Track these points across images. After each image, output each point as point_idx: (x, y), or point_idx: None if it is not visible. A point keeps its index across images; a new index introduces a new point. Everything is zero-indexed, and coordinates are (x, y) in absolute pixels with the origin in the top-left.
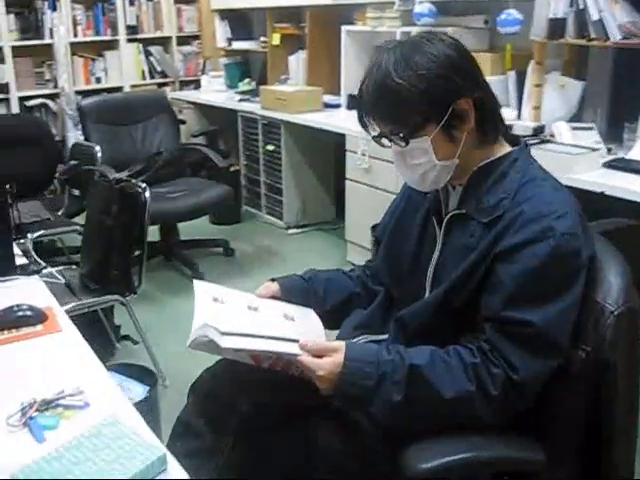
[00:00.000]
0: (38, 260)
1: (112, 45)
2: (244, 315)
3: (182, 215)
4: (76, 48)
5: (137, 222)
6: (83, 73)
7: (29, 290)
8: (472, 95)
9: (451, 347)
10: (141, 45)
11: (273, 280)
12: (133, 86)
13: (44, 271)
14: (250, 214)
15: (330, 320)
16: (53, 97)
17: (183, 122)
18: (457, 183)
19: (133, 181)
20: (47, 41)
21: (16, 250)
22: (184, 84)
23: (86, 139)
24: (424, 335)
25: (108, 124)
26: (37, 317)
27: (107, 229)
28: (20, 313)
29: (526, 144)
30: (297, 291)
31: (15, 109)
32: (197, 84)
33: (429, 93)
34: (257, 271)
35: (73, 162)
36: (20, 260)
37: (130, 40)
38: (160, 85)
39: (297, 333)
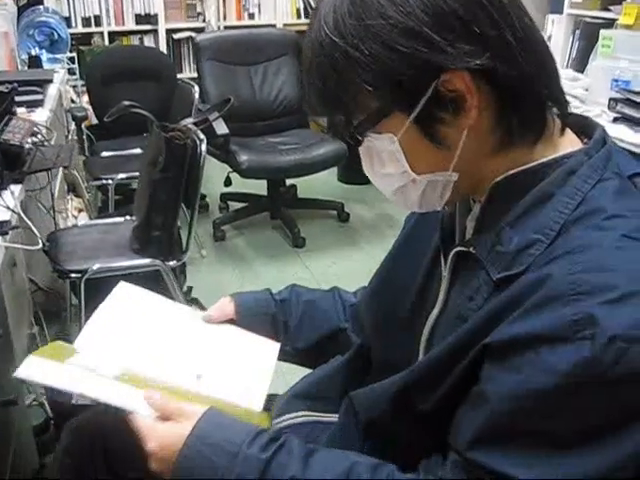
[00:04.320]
0: (22, 216)
1: None
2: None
3: (285, 171)
4: None
5: (185, 178)
6: (235, 8)
7: None
8: (475, 62)
9: (390, 468)
10: None
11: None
12: (286, 25)
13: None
14: None
15: (305, 362)
16: (201, 31)
17: None
18: (479, 198)
19: (193, 129)
20: None
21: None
22: None
23: (199, 78)
24: (380, 434)
25: (225, 62)
26: None
27: (152, 183)
28: None
29: (604, 137)
30: (258, 318)
31: (162, 42)
32: None
33: (384, 62)
34: (368, 242)
35: (125, 103)
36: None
37: None
38: None
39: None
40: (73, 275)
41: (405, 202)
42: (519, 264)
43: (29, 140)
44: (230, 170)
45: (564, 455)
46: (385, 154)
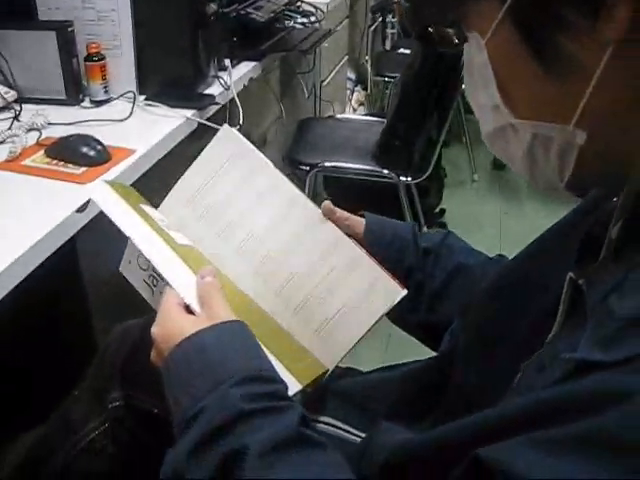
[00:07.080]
0: (234, 94)
1: None
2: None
3: None
4: None
5: (437, 91)
6: None
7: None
8: None
9: None
10: None
11: (362, 215)
12: None
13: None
14: None
15: (424, 339)
16: None
17: None
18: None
19: None
20: None
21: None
22: None
23: None
24: None
25: None
26: (98, 157)
27: (403, 86)
28: (84, 149)
29: None
30: (387, 259)
31: None
32: None
33: None
34: None
35: None
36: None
37: None
38: None
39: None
40: (302, 167)
41: (508, 158)
42: (621, 345)
43: (299, 20)
44: None
45: None
46: (476, 70)
